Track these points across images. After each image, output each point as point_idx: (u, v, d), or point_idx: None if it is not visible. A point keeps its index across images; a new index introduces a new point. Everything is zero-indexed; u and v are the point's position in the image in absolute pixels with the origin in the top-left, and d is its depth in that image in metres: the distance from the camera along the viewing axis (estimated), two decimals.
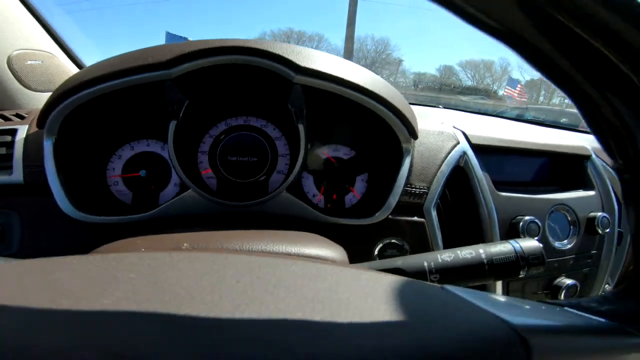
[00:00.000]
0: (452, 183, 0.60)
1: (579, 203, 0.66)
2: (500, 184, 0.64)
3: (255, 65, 0.51)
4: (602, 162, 0.73)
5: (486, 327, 0.18)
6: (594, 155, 0.71)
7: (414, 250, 0.54)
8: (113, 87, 0.49)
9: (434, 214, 0.56)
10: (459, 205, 0.62)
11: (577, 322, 0.22)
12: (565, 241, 0.65)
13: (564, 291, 0.62)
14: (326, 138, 0.65)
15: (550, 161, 0.72)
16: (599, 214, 0.65)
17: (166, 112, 0.52)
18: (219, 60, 0.50)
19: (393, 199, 0.54)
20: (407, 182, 0.56)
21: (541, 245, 0.40)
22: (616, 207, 0.69)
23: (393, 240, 0.55)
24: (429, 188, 0.57)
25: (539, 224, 0.60)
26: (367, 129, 0.64)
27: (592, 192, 0.69)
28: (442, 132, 0.63)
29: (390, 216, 0.54)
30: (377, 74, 0.57)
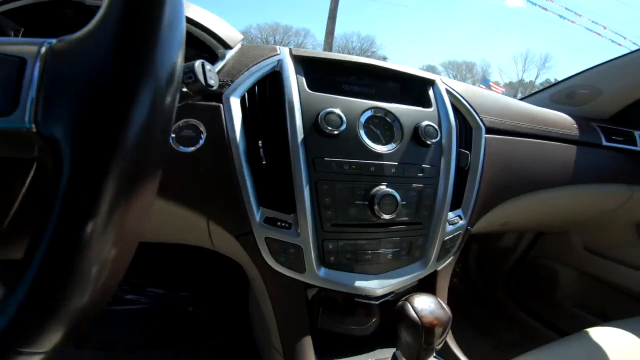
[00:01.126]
0: (269, 91, 0.60)
1: (407, 113, 0.63)
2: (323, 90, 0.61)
3: None
4: (447, 87, 0.72)
5: None
6: (439, 81, 0.71)
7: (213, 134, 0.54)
8: None
9: (234, 102, 0.56)
10: (269, 104, 0.59)
11: None
12: (386, 146, 0.60)
13: (378, 201, 0.56)
14: None
15: (399, 85, 0.69)
16: (424, 122, 0.62)
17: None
18: None
19: None
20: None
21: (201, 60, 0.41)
22: (454, 126, 0.66)
23: (193, 122, 0.54)
24: (232, 81, 0.58)
25: (343, 118, 0.56)
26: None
27: (428, 109, 0.66)
28: (260, 47, 0.64)
29: (190, 101, 0.53)
30: None
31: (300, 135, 0.56)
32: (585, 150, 0.88)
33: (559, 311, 1.27)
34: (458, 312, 1.51)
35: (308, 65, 0.62)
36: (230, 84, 0.58)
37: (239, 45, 0.64)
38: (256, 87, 0.59)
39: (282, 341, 0.61)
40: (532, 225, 1.18)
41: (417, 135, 0.62)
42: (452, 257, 0.69)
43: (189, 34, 0.58)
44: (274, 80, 0.60)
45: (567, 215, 1.06)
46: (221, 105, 0.56)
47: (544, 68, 34.20)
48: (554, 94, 1.14)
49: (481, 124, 0.72)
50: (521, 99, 1.24)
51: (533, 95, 1.22)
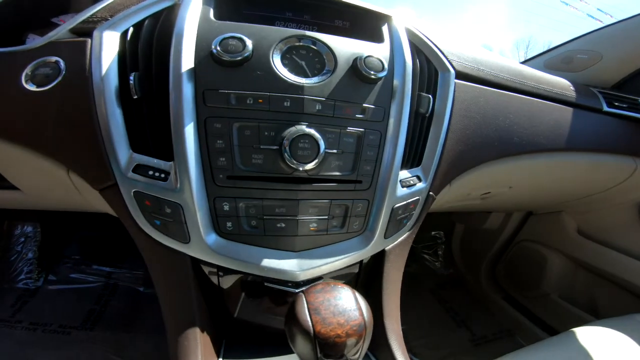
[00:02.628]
0: (161, 26, 0.50)
1: (346, 44, 0.48)
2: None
3: None
4: (410, 26, 0.57)
5: None
6: (397, 18, 0.56)
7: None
8: None
9: (108, 36, 0.47)
10: (158, 38, 0.49)
11: None
12: (311, 79, 0.45)
13: (289, 144, 0.43)
14: None
15: (350, 24, 0.55)
16: (366, 53, 0.47)
17: None
18: None
19: (63, 27, 0.49)
20: (91, 15, 0.50)
21: None
22: (409, 63, 0.51)
23: (53, 60, 0.47)
24: (112, 16, 0.49)
25: (248, 44, 0.43)
26: None
27: (378, 44, 0.51)
28: None
29: (54, 40, 0.48)
30: None
31: (187, 63, 0.43)
32: (583, 115, 0.74)
33: (544, 304, 1.17)
34: (436, 300, 1.41)
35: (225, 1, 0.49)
36: (108, 19, 0.49)
37: None
38: (146, 22, 0.49)
39: (169, 333, 0.47)
40: (520, 201, 1.04)
41: (356, 68, 0.46)
42: (407, 233, 0.55)
43: None
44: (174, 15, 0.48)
45: (560, 190, 0.93)
46: (89, 40, 0.47)
47: (529, 50, 33.88)
48: (549, 59, 1.00)
49: (450, 66, 0.57)
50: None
51: (525, 62, 1.08)
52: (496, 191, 0.80)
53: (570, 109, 0.72)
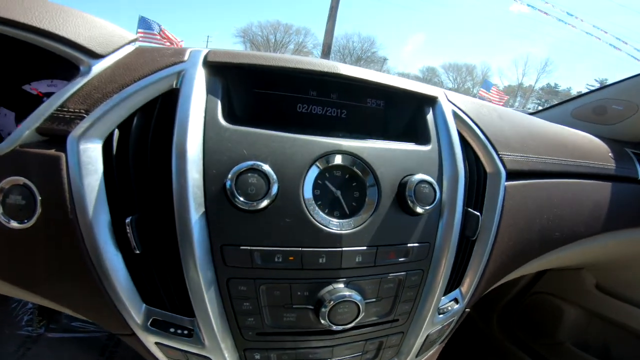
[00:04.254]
0: (155, 126, 0.38)
1: (390, 158, 0.40)
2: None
3: None
4: (454, 106, 0.49)
5: None
6: (442, 98, 0.48)
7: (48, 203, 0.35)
8: None
9: (88, 149, 0.35)
10: (155, 150, 0.38)
11: None
12: (349, 220, 0.38)
13: (327, 309, 0.36)
14: None
15: (384, 105, 0.48)
16: (416, 177, 0.39)
17: None
18: None
19: (29, 123, 0.36)
20: (61, 105, 0.37)
21: None
22: (462, 174, 0.43)
23: (21, 182, 0.35)
24: (88, 111, 0.36)
25: (273, 178, 0.34)
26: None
27: (425, 147, 0.43)
28: (160, 50, 0.42)
29: (19, 147, 0.36)
30: None
31: (195, 208, 0.34)
32: (620, 187, 0.69)
33: (559, 352, 1.11)
34: (448, 348, 1.35)
35: (235, 79, 0.40)
36: (83, 117, 0.36)
37: (123, 51, 0.42)
38: (135, 120, 0.38)
39: None
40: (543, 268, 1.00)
41: (403, 199, 0.39)
42: (437, 346, 0.50)
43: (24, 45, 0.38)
44: (170, 106, 0.38)
45: (590, 259, 0.87)
46: (62, 155, 0.35)
47: (544, 72, 34.17)
48: (577, 108, 0.95)
49: (501, 166, 0.49)
50: (533, 114, 1.05)
51: (549, 109, 1.04)
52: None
53: (609, 184, 0.67)
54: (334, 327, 0.37)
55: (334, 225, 0.37)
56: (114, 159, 0.37)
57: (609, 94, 0.90)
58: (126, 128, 0.37)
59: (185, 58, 0.40)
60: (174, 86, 0.38)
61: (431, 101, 0.47)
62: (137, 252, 0.35)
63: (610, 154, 0.71)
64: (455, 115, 0.48)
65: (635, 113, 0.84)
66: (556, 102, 1.07)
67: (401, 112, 0.48)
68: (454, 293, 0.47)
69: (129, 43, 0.43)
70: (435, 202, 0.40)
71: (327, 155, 0.38)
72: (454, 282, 0.47)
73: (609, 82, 1.07)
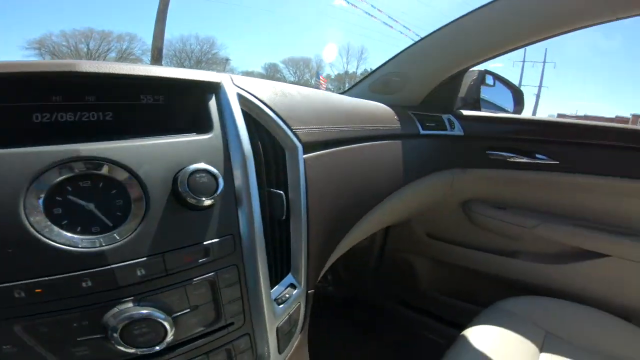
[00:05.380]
0: None
1: (154, 154, 0.34)
2: None
3: None
4: (242, 90, 0.46)
5: None
6: (227, 83, 0.44)
7: None
8: None
9: None
10: None
11: None
12: (118, 230, 0.32)
13: (119, 333, 0.29)
14: None
15: (164, 101, 0.40)
16: (191, 167, 0.35)
17: None
18: None
19: None
20: None
21: None
22: (250, 155, 0.41)
23: None
24: None
25: None
26: None
27: (204, 136, 0.39)
28: None
29: None
30: None
31: None
32: (408, 144, 0.83)
33: (432, 301, 1.28)
34: (339, 318, 1.41)
35: None
36: None
37: None
38: None
39: None
40: (376, 229, 1.14)
41: (178, 194, 0.34)
42: (298, 336, 0.49)
43: None
44: None
45: (404, 212, 1.04)
46: None
47: (362, 59, 40.25)
48: (372, 83, 1.10)
49: (296, 140, 0.49)
50: (343, 92, 1.18)
51: (354, 87, 1.17)
52: (358, 237, 0.82)
53: (399, 142, 0.79)
54: (141, 352, 0.31)
55: (87, 242, 0.30)
56: None
57: (389, 67, 1.08)
58: None
59: None
60: None
61: (214, 87, 0.43)
62: None
63: (396, 117, 0.84)
64: (241, 97, 0.45)
65: (408, 81, 1.04)
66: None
67: (184, 104, 0.42)
68: (288, 279, 0.46)
69: None
70: (219, 190, 0.36)
71: (61, 165, 0.30)
72: (281, 268, 0.46)
73: None
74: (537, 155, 0.97)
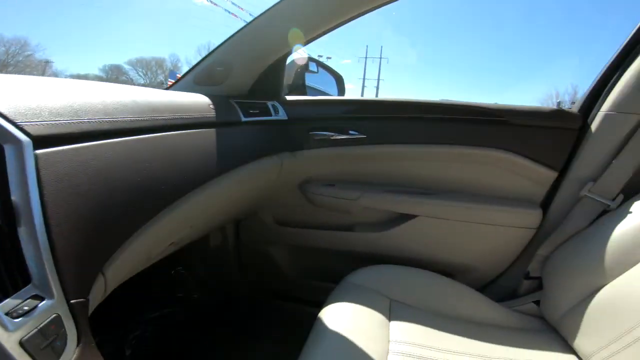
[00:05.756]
0: None
1: None
2: None
3: None
4: None
5: None
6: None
7: None
8: None
9: None
10: None
11: None
12: None
13: None
14: None
15: None
16: None
17: None
18: None
19: None
20: None
21: None
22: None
23: None
24: None
25: None
26: None
27: None
28: None
29: None
30: None
31: None
32: (227, 132, 0.82)
33: (297, 286, 1.29)
34: (216, 326, 1.30)
35: None
36: None
37: None
38: None
39: None
40: (218, 222, 1.09)
41: None
42: (79, 349, 0.42)
43: None
44: None
45: (241, 201, 1.02)
46: None
47: None
48: (197, 75, 1.06)
49: (21, 134, 0.42)
50: (167, 88, 1.09)
51: (179, 81, 1.10)
52: (180, 235, 0.76)
53: (213, 130, 0.77)
54: None
55: None
56: None
57: (214, 57, 1.06)
58: None
59: None
60: None
61: None
62: None
63: (210, 105, 0.82)
64: None
65: (232, 70, 1.04)
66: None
67: None
68: (27, 290, 0.39)
69: None
70: None
71: None
72: (12, 279, 0.39)
73: None
74: (350, 132, 1.11)
